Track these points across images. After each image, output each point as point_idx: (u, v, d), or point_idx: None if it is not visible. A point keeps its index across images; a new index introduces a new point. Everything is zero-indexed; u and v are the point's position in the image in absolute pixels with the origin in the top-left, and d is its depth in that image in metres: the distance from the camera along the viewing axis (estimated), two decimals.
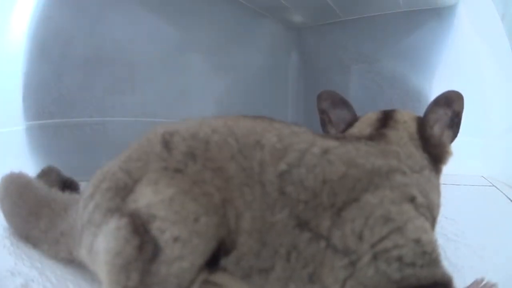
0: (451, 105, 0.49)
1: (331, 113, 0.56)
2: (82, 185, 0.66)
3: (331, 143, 0.41)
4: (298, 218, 0.37)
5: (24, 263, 0.46)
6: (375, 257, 0.36)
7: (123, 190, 0.38)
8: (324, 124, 0.57)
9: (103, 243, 0.36)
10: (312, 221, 0.37)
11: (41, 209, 0.50)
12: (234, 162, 0.39)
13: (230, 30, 1.29)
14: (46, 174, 0.67)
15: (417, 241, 0.36)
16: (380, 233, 0.36)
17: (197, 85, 1.19)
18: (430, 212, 0.42)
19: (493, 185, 1.04)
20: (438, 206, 0.45)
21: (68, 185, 0.66)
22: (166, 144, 0.40)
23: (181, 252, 0.34)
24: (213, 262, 0.37)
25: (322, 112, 0.57)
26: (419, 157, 0.45)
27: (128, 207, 0.37)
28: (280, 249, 0.37)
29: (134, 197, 0.37)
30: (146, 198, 0.36)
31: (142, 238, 0.34)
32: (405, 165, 0.42)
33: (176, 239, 0.34)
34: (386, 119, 0.50)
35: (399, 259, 0.35)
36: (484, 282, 0.41)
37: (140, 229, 0.35)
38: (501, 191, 0.97)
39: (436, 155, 0.48)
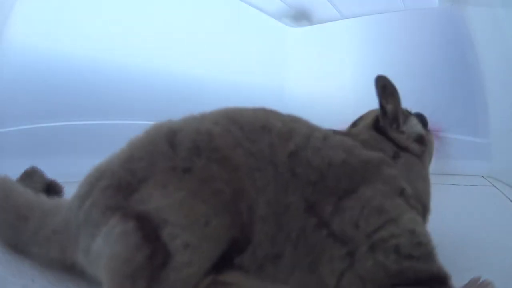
0: (384, 92, 0.48)
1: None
2: (66, 188, 0.65)
3: (327, 132, 0.43)
4: (307, 201, 0.38)
5: (24, 263, 0.46)
6: (372, 247, 0.36)
7: (126, 188, 0.36)
8: None
9: (107, 247, 0.34)
10: (318, 204, 0.38)
11: (30, 211, 0.45)
12: (241, 149, 0.39)
13: None
14: (29, 175, 0.64)
15: (412, 232, 0.37)
16: (375, 224, 0.37)
17: None
18: (420, 202, 0.42)
19: (493, 185, 1.04)
20: (426, 193, 0.46)
21: (52, 188, 0.64)
22: (171, 142, 0.39)
23: (190, 258, 0.33)
24: (226, 262, 0.36)
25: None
26: (385, 145, 0.46)
27: (133, 207, 0.35)
28: (292, 233, 0.37)
29: (140, 197, 0.35)
30: (155, 200, 0.35)
31: (154, 246, 0.33)
32: (385, 154, 0.44)
33: (186, 245, 0.33)
34: (360, 119, 0.54)
35: (397, 250, 0.35)
36: (480, 281, 0.41)
37: (151, 235, 0.33)
38: (501, 191, 0.97)
39: (398, 144, 0.47)
